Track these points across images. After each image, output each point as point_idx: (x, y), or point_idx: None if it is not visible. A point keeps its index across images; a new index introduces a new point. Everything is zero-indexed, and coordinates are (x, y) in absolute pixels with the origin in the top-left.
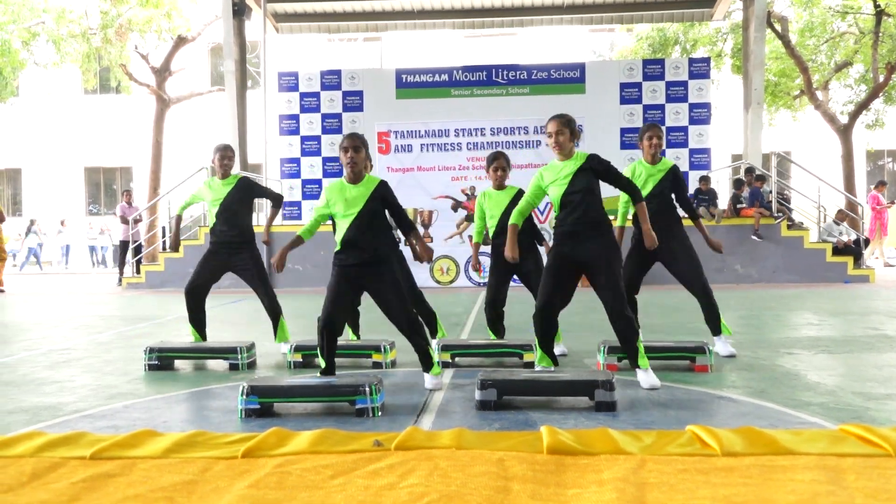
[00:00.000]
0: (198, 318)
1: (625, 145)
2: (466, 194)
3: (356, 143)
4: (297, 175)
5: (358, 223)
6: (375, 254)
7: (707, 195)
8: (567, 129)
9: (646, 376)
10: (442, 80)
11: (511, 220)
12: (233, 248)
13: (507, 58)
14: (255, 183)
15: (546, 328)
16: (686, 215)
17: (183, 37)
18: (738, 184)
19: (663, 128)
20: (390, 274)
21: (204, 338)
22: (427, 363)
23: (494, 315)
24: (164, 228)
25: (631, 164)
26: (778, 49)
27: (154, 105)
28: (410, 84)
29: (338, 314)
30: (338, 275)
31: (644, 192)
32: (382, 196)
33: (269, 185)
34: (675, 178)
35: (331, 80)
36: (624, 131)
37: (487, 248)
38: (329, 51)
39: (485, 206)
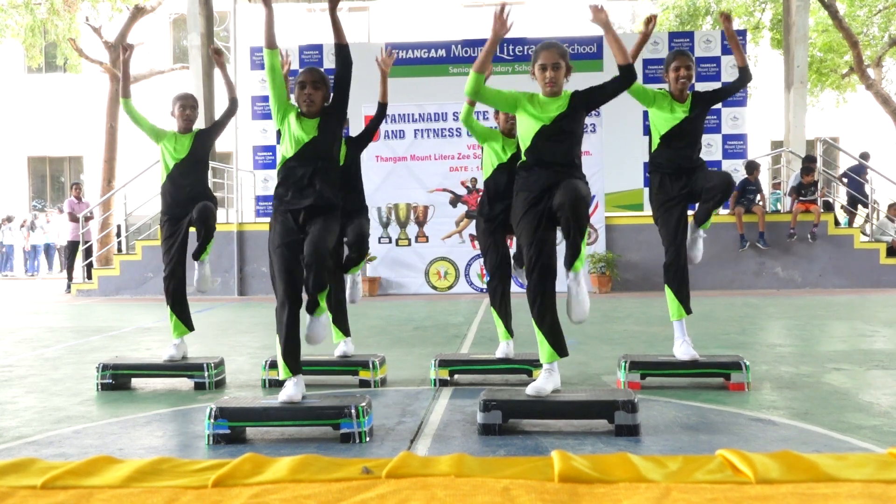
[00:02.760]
0: (181, 308)
1: (648, 130)
2: (467, 187)
3: (315, 78)
4: (272, 165)
5: (306, 148)
6: (320, 198)
7: (755, 185)
8: (564, 63)
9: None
10: (438, 55)
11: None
12: (186, 206)
13: (513, 30)
14: (210, 127)
15: (548, 289)
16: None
17: (141, 7)
18: (806, 171)
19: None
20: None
21: (190, 328)
22: (312, 308)
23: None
24: (118, 227)
25: (659, 90)
26: (824, 21)
27: (108, 85)
28: (402, 60)
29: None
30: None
31: (668, 128)
32: (331, 109)
33: (241, 177)
34: (703, 98)
35: (311, 56)
36: (647, 115)
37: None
38: (309, 22)
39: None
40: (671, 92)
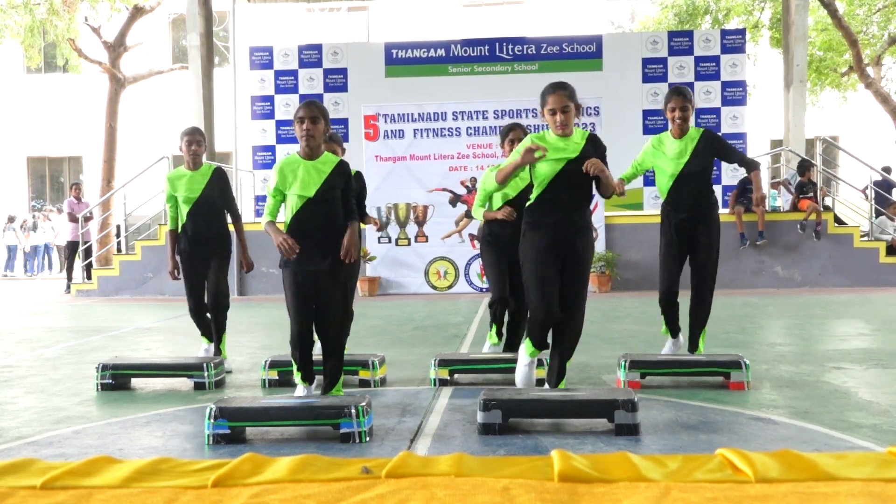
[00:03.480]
0: (205, 325)
1: (648, 129)
2: (467, 187)
3: (314, 114)
4: (271, 165)
5: (309, 207)
6: (327, 244)
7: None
8: (572, 104)
9: None
10: (438, 55)
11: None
12: (210, 248)
13: (512, 30)
14: (228, 180)
15: (544, 333)
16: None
17: (140, 7)
18: (802, 169)
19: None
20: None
21: (211, 339)
22: (330, 385)
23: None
24: (118, 227)
25: (652, 139)
26: (823, 20)
27: (107, 85)
28: (402, 60)
29: (307, 321)
30: (291, 276)
31: (674, 172)
32: (343, 178)
33: (240, 177)
34: (712, 145)
35: (310, 55)
36: (647, 113)
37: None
38: (308, 22)
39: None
40: (671, 132)
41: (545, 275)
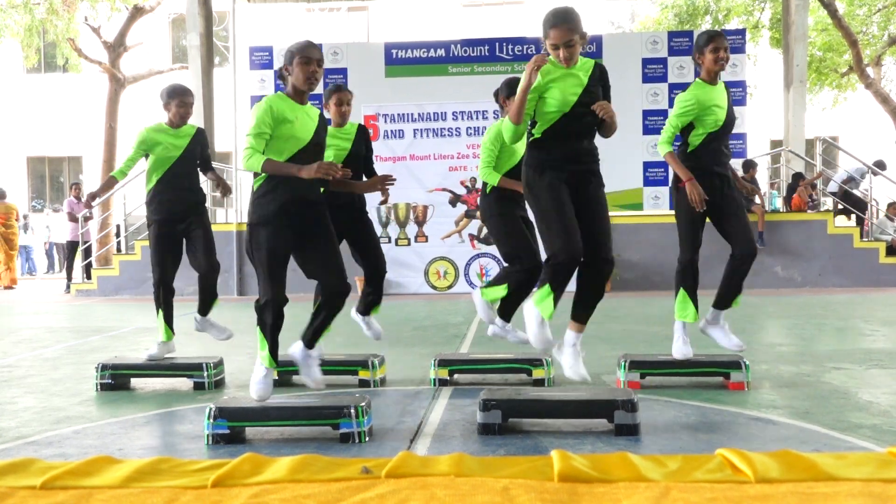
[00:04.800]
0: (169, 310)
1: (648, 129)
2: (466, 187)
3: (321, 58)
4: None
5: (305, 153)
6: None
7: (751, 184)
8: (576, 36)
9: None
10: (438, 55)
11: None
12: (185, 213)
13: (512, 30)
14: (206, 139)
15: (566, 281)
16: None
17: (140, 7)
18: (797, 175)
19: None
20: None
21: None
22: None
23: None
24: (118, 227)
25: (685, 93)
26: (823, 20)
27: (107, 85)
28: (402, 60)
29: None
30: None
31: (717, 123)
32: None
33: (240, 177)
34: (729, 94)
35: None
36: (647, 113)
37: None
38: (308, 22)
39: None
40: (703, 78)
41: (565, 210)
